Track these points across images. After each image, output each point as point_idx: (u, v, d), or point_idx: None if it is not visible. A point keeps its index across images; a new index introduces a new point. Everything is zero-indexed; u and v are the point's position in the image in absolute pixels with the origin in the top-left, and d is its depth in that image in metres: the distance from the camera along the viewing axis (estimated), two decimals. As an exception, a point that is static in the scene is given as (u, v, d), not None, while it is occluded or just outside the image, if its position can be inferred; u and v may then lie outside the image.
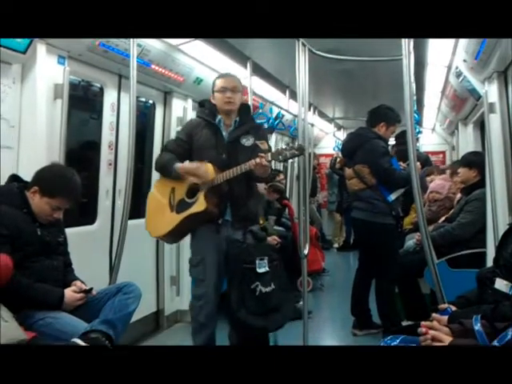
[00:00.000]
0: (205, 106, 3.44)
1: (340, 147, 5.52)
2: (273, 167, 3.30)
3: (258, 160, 3.07)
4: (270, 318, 3.24)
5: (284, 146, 3.19)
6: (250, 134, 3.33)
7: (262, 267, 3.24)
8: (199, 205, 3.18)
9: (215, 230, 3.28)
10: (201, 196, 3.18)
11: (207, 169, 3.17)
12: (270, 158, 3.09)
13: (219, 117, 3.36)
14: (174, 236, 3.46)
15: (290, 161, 9.09)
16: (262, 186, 5.39)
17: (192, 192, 3.24)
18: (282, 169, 8.15)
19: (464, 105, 5.42)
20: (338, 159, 9.09)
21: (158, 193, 3.42)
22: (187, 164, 3.28)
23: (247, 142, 3.31)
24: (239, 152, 3.27)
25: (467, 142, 5.95)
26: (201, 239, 3.35)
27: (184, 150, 3.37)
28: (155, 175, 3.57)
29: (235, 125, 3.35)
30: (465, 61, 4.09)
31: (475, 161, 4.21)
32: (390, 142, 4.80)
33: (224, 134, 3.34)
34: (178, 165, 3.25)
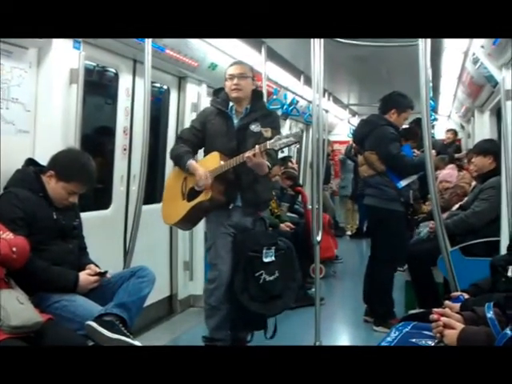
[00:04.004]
0: (218, 95, 3.47)
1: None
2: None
3: (247, 154, 3.10)
4: (271, 304, 3.29)
5: (281, 134, 3.17)
6: (259, 120, 3.36)
7: (269, 256, 3.29)
8: (205, 194, 3.25)
9: (226, 215, 3.35)
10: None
11: (207, 182, 3.19)
12: (268, 147, 3.08)
13: (231, 104, 3.40)
14: (186, 223, 3.54)
15: (304, 147, 9.08)
16: (274, 172, 5.37)
17: None
18: (295, 154, 8.15)
19: (480, 92, 5.35)
20: (354, 146, 9.07)
21: (173, 181, 3.50)
22: (197, 168, 3.28)
23: (256, 128, 3.33)
24: (248, 138, 3.30)
25: (483, 129, 5.88)
26: (213, 224, 3.43)
27: (198, 139, 3.44)
28: (170, 161, 3.59)
29: (246, 112, 3.38)
30: (482, 47, 4.03)
31: (489, 148, 4.18)
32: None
33: (235, 121, 3.38)
34: (190, 162, 3.29)
